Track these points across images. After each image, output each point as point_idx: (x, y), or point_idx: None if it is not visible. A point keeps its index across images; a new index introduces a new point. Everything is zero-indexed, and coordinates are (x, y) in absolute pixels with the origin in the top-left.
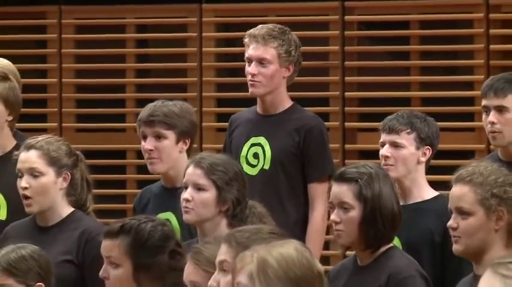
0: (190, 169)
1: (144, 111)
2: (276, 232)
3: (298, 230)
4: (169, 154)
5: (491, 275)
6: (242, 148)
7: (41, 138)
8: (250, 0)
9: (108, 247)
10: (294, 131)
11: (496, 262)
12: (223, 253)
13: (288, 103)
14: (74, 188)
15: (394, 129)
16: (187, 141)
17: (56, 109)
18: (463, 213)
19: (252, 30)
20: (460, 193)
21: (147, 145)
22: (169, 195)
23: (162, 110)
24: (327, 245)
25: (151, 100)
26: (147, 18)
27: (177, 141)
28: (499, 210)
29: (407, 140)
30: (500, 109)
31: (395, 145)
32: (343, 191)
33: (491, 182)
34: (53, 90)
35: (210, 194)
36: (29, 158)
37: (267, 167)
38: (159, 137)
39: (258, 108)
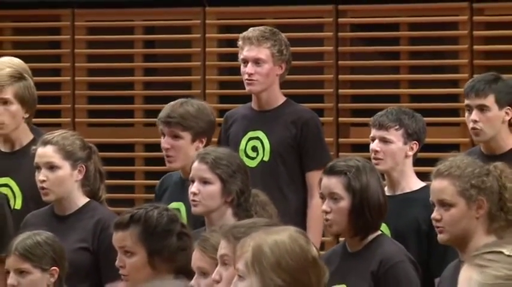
0: (196, 164)
1: (164, 111)
2: (270, 224)
3: (299, 217)
4: (185, 153)
5: (469, 267)
6: (240, 142)
7: (56, 133)
8: (250, 3)
9: (121, 238)
10: (290, 124)
11: (473, 254)
12: (223, 248)
13: (281, 99)
14: (88, 179)
15: (383, 125)
16: (203, 140)
17: (69, 105)
18: (445, 205)
19: (245, 33)
20: (440, 186)
21: (164, 143)
22: (185, 186)
23: (179, 112)
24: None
25: (158, 97)
26: (154, 21)
27: (193, 141)
28: (479, 199)
29: (395, 136)
30: (482, 108)
31: (384, 140)
32: (333, 183)
33: (469, 174)
34: (67, 88)
35: (216, 187)
36: (46, 152)
37: (266, 158)
38: (175, 136)
39: (253, 104)
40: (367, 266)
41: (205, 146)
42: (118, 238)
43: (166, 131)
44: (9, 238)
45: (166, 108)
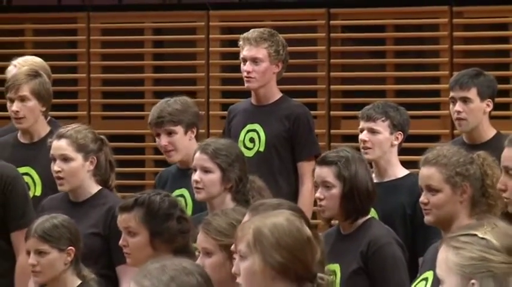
0: (197, 155)
1: (153, 114)
2: (291, 205)
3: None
4: (181, 144)
5: (445, 248)
6: (240, 134)
7: (70, 127)
8: (249, 7)
9: (126, 219)
10: (284, 118)
11: (448, 236)
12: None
13: (278, 95)
14: (99, 168)
15: (371, 117)
16: (194, 130)
17: (85, 100)
18: (432, 190)
19: (245, 34)
20: (428, 173)
21: (162, 141)
22: (184, 175)
23: (167, 110)
24: (314, 215)
25: (167, 92)
26: (162, 23)
27: (186, 132)
28: (463, 185)
29: (382, 126)
30: (465, 100)
31: (372, 131)
32: (325, 172)
33: (454, 163)
34: (83, 84)
35: (216, 175)
36: (60, 145)
37: (262, 149)
38: (170, 133)
39: (253, 99)
40: (357, 247)
41: (196, 134)
42: (123, 219)
43: (160, 131)
44: None
45: (154, 111)
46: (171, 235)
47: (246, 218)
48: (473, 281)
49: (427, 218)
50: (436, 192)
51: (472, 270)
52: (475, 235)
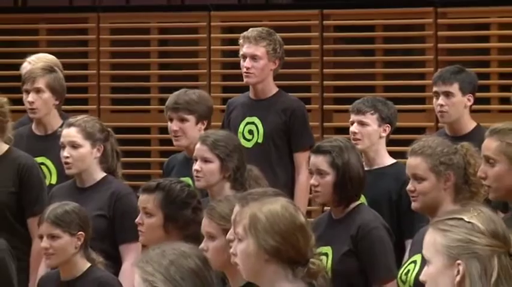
0: (198, 145)
1: (170, 99)
2: (278, 193)
3: (287, 190)
4: (190, 133)
5: (433, 231)
6: (239, 126)
7: (79, 117)
8: (248, 8)
9: (145, 200)
10: (281, 111)
11: (436, 220)
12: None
13: (274, 89)
14: (105, 157)
15: (360, 111)
16: (205, 122)
17: (95, 95)
18: (418, 178)
19: (245, 33)
20: (414, 162)
21: (173, 126)
22: (190, 163)
23: (184, 99)
24: (308, 202)
25: (171, 88)
26: (167, 23)
27: (197, 123)
28: (447, 173)
29: (371, 119)
30: (448, 94)
31: (361, 124)
32: (319, 160)
33: (438, 153)
34: (93, 80)
35: (215, 165)
36: (69, 133)
37: (260, 141)
38: (182, 120)
39: (251, 94)
40: (347, 231)
41: (206, 127)
42: (143, 199)
43: (174, 116)
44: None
45: (172, 97)
46: (185, 222)
47: (236, 208)
48: (459, 261)
49: (414, 205)
50: (422, 180)
51: (458, 251)
52: (462, 219)
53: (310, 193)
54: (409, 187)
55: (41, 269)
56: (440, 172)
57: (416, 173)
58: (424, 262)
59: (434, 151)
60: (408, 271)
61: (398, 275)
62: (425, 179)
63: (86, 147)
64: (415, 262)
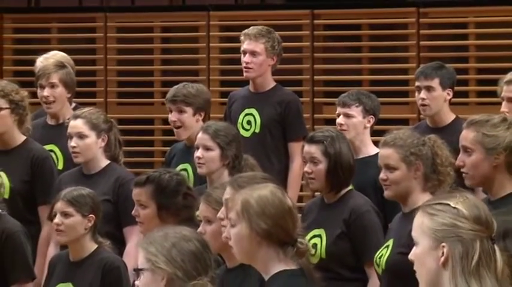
0: (200, 135)
1: (170, 92)
2: (266, 177)
3: (281, 177)
4: (188, 123)
5: (421, 214)
6: (239, 117)
7: (85, 110)
8: (244, 9)
9: (138, 193)
10: (277, 104)
11: (425, 203)
12: (228, 193)
13: (272, 84)
14: (109, 146)
15: (346, 103)
16: (202, 113)
17: (102, 89)
18: (390, 168)
19: (246, 30)
20: (386, 153)
21: (172, 117)
22: (189, 151)
23: (182, 92)
24: (300, 188)
25: (173, 82)
26: (169, 22)
27: (194, 114)
28: (416, 163)
29: (356, 111)
30: (429, 88)
31: (347, 115)
32: (313, 149)
33: (409, 144)
34: (100, 75)
35: (215, 153)
36: (76, 124)
37: (257, 130)
38: (180, 111)
39: (250, 87)
40: (340, 215)
41: (203, 119)
42: (136, 193)
43: (173, 108)
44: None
45: (172, 91)
46: (177, 209)
47: (228, 189)
48: (443, 244)
49: (387, 193)
50: (393, 170)
51: (444, 234)
52: (448, 204)
53: (302, 180)
54: (382, 176)
55: (50, 251)
56: (411, 162)
57: (389, 163)
58: (395, 245)
59: (405, 143)
60: (382, 255)
61: (374, 259)
62: (397, 168)
63: (92, 137)
64: (388, 246)
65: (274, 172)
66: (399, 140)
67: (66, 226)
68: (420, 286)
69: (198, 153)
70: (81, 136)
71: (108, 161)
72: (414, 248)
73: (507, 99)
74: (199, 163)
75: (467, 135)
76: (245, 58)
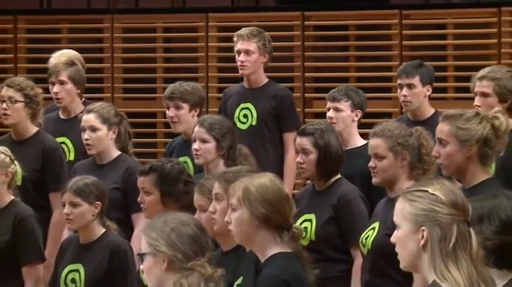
0: (196, 128)
1: (168, 90)
2: (251, 170)
3: (277, 166)
4: (185, 119)
5: (402, 200)
6: (235, 111)
7: (97, 104)
8: (240, 11)
9: (143, 181)
10: (272, 98)
11: (405, 190)
12: (216, 188)
13: (265, 80)
14: (120, 138)
15: (335, 98)
16: (197, 109)
17: (109, 85)
18: (378, 157)
19: (238, 32)
20: (375, 143)
21: (170, 113)
22: (187, 145)
23: (179, 89)
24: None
25: (174, 79)
26: (171, 23)
27: (190, 110)
28: (403, 153)
29: (345, 106)
30: (410, 86)
31: (336, 109)
32: (304, 141)
33: (396, 135)
34: (107, 72)
35: (211, 145)
36: (89, 118)
37: (254, 123)
38: (177, 107)
39: (245, 83)
40: (329, 201)
41: (199, 114)
42: (140, 181)
43: (170, 104)
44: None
45: (169, 88)
46: (178, 195)
47: (216, 184)
48: (423, 228)
49: (375, 180)
50: (381, 158)
51: (423, 219)
52: (427, 191)
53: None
54: (371, 164)
55: (64, 235)
56: (398, 152)
57: (377, 152)
58: (382, 228)
59: (393, 134)
60: (368, 236)
61: (360, 240)
62: (385, 157)
63: (103, 130)
64: (374, 228)
65: (270, 162)
66: (387, 131)
67: (75, 215)
68: (401, 266)
69: (195, 145)
70: (93, 129)
71: (119, 152)
72: (396, 231)
73: (479, 94)
74: (196, 155)
75: (442, 128)
76: (240, 57)
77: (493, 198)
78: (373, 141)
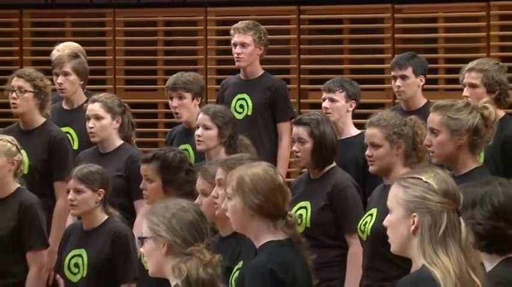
0: (200, 115)
1: (170, 81)
2: (252, 158)
3: (271, 155)
4: (188, 108)
5: (396, 186)
6: (231, 102)
7: (101, 95)
8: (238, 5)
9: (145, 169)
10: (266, 89)
11: (400, 177)
12: (219, 173)
13: (261, 71)
14: (123, 127)
15: (331, 89)
16: (199, 99)
17: (111, 76)
18: (375, 146)
19: (235, 25)
20: (372, 132)
21: (173, 103)
22: (188, 133)
23: (181, 80)
24: (288, 165)
25: (174, 71)
26: (171, 17)
27: (192, 99)
28: (398, 142)
29: (339, 96)
30: (403, 77)
31: (331, 100)
32: (300, 130)
33: (392, 124)
34: (110, 64)
35: (214, 132)
36: (93, 107)
37: (249, 113)
38: (180, 97)
39: (241, 75)
40: (324, 189)
41: (200, 103)
42: (143, 168)
43: (173, 95)
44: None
45: (171, 79)
46: (180, 183)
47: (219, 170)
48: (414, 214)
49: (371, 168)
50: (378, 147)
51: (415, 205)
52: (420, 178)
53: (290, 157)
54: (367, 152)
55: (68, 221)
56: (393, 140)
57: (374, 141)
58: (379, 213)
59: (389, 123)
60: (366, 222)
61: (358, 226)
62: (381, 146)
63: (107, 119)
64: (371, 215)
65: (265, 150)
66: (383, 120)
67: (78, 201)
68: (392, 249)
69: (198, 131)
70: (97, 118)
71: (122, 141)
72: (388, 215)
73: (468, 85)
74: (198, 141)
75: (434, 118)
76: (236, 50)
77: (487, 184)
78: (370, 131)
